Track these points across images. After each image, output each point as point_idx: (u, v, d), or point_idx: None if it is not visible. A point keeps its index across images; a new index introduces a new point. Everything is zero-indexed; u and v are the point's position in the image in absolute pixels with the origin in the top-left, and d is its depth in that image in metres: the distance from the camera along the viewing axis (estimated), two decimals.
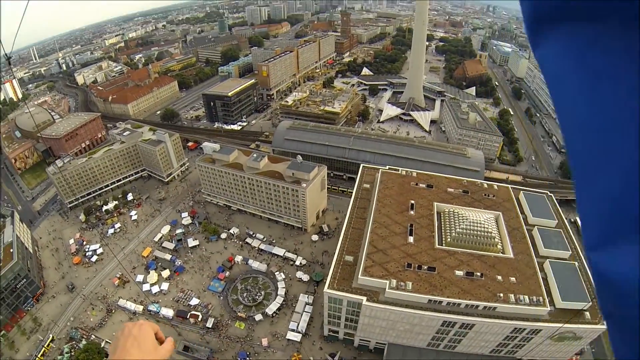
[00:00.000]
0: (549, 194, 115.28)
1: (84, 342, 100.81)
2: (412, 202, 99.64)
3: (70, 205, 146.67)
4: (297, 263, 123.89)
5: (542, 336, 79.96)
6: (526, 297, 77.36)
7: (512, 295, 77.46)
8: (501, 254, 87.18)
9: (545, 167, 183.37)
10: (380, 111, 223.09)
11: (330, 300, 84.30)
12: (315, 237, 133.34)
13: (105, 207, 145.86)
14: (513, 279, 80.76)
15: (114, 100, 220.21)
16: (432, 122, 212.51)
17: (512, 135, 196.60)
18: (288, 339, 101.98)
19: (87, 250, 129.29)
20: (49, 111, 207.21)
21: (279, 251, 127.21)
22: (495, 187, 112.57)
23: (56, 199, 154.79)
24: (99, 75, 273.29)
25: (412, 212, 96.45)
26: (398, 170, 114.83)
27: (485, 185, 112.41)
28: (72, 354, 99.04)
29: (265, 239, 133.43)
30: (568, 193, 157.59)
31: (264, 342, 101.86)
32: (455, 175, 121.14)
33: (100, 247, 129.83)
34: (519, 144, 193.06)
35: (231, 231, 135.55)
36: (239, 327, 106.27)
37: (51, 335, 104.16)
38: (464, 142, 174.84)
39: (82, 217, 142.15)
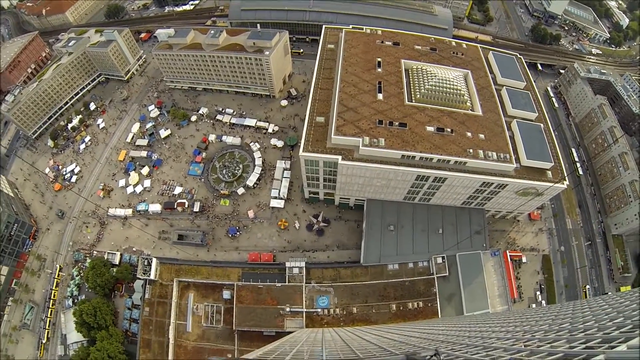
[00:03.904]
0: (519, 55, 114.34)
1: (88, 260, 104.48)
2: (379, 59, 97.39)
3: (35, 135, 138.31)
4: (270, 130, 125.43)
5: (508, 190, 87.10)
6: (494, 153, 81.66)
7: (481, 151, 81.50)
8: (470, 111, 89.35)
9: (516, 29, 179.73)
10: None
11: (306, 163, 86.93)
12: (284, 102, 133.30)
13: (70, 125, 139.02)
14: (482, 135, 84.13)
15: (49, 12, 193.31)
16: None
17: None
18: (272, 207, 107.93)
19: (64, 173, 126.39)
20: None
21: (251, 122, 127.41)
22: (464, 45, 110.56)
23: (19, 135, 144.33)
24: None
25: (379, 70, 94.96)
26: (362, 29, 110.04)
27: (454, 44, 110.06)
28: (82, 274, 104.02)
29: (235, 113, 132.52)
30: (537, 57, 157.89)
31: (250, 214, 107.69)
32: (422, 33, 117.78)
33: (76, 165, 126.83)
34: (489, 4, 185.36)
35: (200, 112, 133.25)
36: (224, 204, 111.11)
37: (58, 266, 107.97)
38: None
39: (50, 142, 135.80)
